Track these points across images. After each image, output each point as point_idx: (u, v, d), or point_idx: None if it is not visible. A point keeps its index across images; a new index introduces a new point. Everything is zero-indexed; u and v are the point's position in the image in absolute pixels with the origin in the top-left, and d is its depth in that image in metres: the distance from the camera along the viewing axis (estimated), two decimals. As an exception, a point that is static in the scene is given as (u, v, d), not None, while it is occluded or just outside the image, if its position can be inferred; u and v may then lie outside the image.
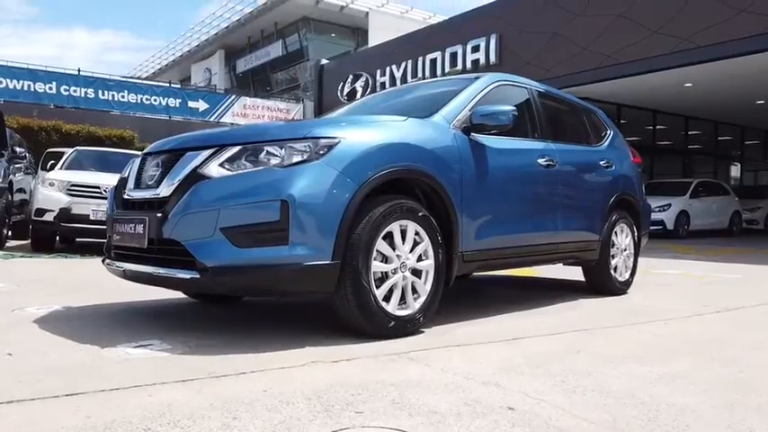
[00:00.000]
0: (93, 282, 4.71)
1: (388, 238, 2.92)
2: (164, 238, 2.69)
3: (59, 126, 17.17)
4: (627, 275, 4.97)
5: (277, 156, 2.70)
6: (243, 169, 2.67)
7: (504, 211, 3.63)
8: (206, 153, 2.75)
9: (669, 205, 13.94)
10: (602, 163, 4.70)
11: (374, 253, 2.83)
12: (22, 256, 6.92)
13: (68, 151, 13.89)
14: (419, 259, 3.06)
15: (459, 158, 3.31)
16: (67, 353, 2.45)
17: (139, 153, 10.65)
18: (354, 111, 4.27)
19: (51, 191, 7.78)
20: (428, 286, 3.10)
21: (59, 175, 8.13)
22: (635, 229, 5.09)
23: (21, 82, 19.55)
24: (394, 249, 2.94)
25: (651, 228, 13.30)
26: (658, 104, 17.02)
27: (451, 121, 3.45)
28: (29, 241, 8.28)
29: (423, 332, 3.10)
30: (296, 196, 2.58)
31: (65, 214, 7.57)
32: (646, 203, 5.41)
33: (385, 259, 2.92)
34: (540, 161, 3.96)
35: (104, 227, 3.47)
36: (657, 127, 18.55)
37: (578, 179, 4.40)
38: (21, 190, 9.30)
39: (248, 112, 23.50)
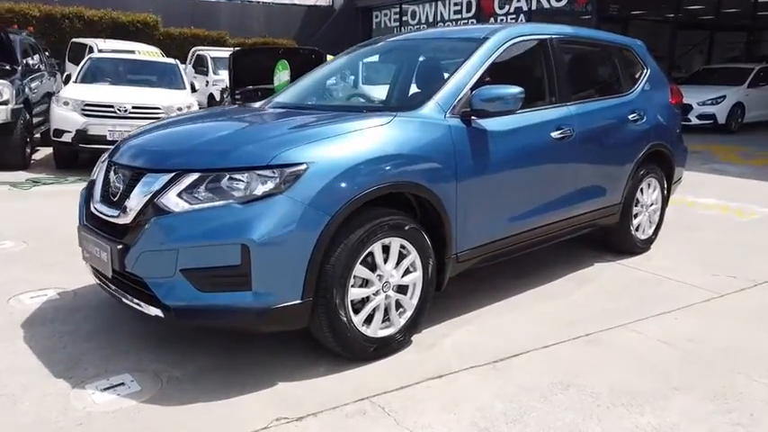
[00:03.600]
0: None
1: (370, 257, 2.71)
2: (126, 271, 2.55)
3: (81, 12, 16.65)
4: (650, 232, 4.65)
5: (241, 183, 2.45)
6: (202, 202, 2.44)
7: (507, 200, 3.32)
8: (165, 179, 2.51)
9: (723, 97, 12.85)
10: (630, 117, 4.21)
11: (351, 280, 2.64)
12: (43, 183, 6.98)
13: (94, 43, 13.57)
14: (405, 273, 2.86)
15: (455, 156, 2.96)
16: (35, 398, 2.43)
17: (155, 58, 10.16)
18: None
19: (67, 111, 7.66)
20: (415, 300, 2.92)
21: (73, 93, 7.93)
22: (665, 182, 4.68)
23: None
24: (375, 270, 2.74)
25: (700, 122, 12.55)
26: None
27: (448, 107, 3.05)
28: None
29: (412, 342, 2.98)
30: (257, 240, 2.36)
31: (82, 136, 7.50)
32: (680, 148, 4.91)
33: (365, 283, 2.73)
34: (555, 134, 3.54)
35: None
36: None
37: (599, 144, 3.96)
38: (48, 94, 9.14)
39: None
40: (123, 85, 8.75)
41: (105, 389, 2.51)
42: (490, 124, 3.17)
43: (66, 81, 9.26)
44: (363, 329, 2.73)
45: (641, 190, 4.44)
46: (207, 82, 14.61)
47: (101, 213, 2.79)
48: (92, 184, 3.03)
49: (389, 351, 2.85)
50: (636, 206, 4.43)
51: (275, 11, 21.94)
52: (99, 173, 2.98)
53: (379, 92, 3.79)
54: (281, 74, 8.86)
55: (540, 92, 3.69)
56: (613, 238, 4.48)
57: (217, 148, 2.61)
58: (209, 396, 2.48)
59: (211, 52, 15.37)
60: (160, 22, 17.58)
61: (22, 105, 7.82)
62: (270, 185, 2.43)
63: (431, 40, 4.01)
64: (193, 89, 9.66)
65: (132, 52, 12.51)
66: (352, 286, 2.67)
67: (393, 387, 2.58)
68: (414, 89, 3.64)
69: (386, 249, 2.77)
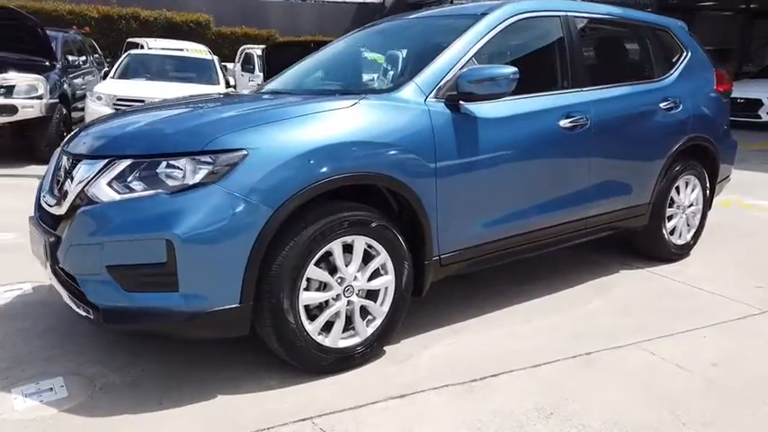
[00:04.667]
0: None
1: (329, 257, 2.40)
2: (59, 266, 2.34)
3: (137, 13, 17.10)
4: (689, 236, 4.12)
5: (177, 171, 2.19)
6: (131, 192, 2.19)
7: (501, 197, 2.93)
8: (98, 166, 2.28)
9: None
10: (663, 105, 3.70)
11: (303, 282, 2.33)
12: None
13: (145, 42, 13.86)
14: (373, 277, 2.53)
15: (435, 145, 2.61)
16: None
17: (191, 54, 10.12)
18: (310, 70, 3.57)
19: (99, 105, 7.73)
20: (385, 307, 2.59)
21: (107, 88, 8.01)
22: (707, 179, 4.13)
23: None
24: (334, 273, 2.42)
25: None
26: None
27: (430, 90, 2.70)
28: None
29: (385, 352, 2.66)
30: (181, 235, 2.08)
31: None
32: (728, 143, 4.34)
33: (323, 286, 2.42)
34: (564, 123, 3.12)
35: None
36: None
37: (622, 135, 3.48)
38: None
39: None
40: (159, 80, 8.78)
41: (30, 394, 2.31)
42: (482, 110, 2.80)
43: (105, 77, 9.40)
44: (320, 338, 2.42)
45: (677, 189, 3.92)
46: (251, 79, 14.66)
47: (46, 204, 2.60)
48: (46, 174, 2.85)
49: (353, 363, 2.53)
50: (670, 207, 3.92)
51: (326, 9, 21.94)
52: (51, 162, 2.80)
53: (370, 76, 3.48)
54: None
55: (549, 75, 3.27)
56: (643, 243, 3.98)
57: (153, 132, 2.35)
58: (139, 407, 2.24)
59: (258, 50, 15.41)
60: (212, 22, 17.85)
61: (57, 100, 7.93)
62: (202, 174, 2.15)
63: (428, 18, 3.64)
64: (228, 84, 9.61)
65: (181, 50, 12.67)
66: (306, 289, 2.37)
67: (345, 406, 2.26)
68: (397, 72, 3.30)
69: (349, 249, 2.45)
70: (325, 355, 2.43)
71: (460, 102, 2.74)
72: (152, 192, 2.16)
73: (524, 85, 2.86)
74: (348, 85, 3.46)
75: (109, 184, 2.22)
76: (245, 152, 2.18)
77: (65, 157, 2.59)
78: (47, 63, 8.34)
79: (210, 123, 2.35)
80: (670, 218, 3.95)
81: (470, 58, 2.85)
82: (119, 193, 2.20)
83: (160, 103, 3.34)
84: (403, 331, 2.79)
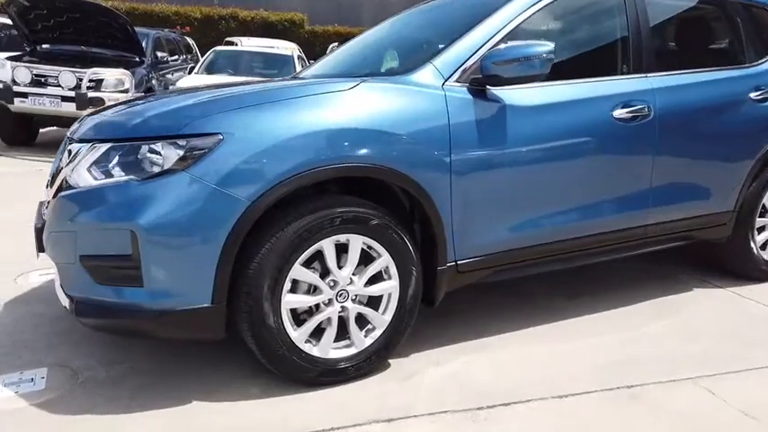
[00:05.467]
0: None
1: (320, 257, 2.16)
2: (44, 251, 2.27)
3: (236, 13, 17.73)
4: (785, 252, 3.47)
5: (156, 156, 2.02)
6: (107, 178, 2.05)
7: (535, 197, 2.54)
8: (82, 150, 2.17)
9: None
10: (754, 96, 3.12)
11: (287, 284, 2.10)
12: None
13: (239, 40, 14.33)
14: (373, 281, 2.25)
15: (449, 136, 2.28)
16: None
17: (271, 50, 10.25)
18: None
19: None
20: (388, 316, 2.30)
21: (187, 82, 8.24)
22: (812, 186, 3.46)
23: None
24: (326, 276, 2.17)
25: None
26: None
27: (450, 73, 2.37)
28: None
29: (389, 366, 2.37)
30: (144, 225, 1.92)
31: None
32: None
33: (312, 289, 2.18)
34: (619, 113, 2.67)
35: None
36: None
37: (697, 129, 2.95)
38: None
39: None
40: (241, 75, 8.94)
41: (10, 383, 2.24)
42: (513, 97, 2.43)
43: (190, 72, 9.73)
44: (306, 347, 2.17)
45: (771, 194, 3.32)
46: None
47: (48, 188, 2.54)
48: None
49: (347, 377, 2.26)
50: (761, 217, 3.31)
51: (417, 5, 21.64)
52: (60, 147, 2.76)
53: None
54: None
55: (605, 58, 2.83)
56: (725, 257, 3.40)
57: (136, 116, 2.19)
58: (111, 406, 2.10)
59: (346, 47, 15.47)
60: (306, 21, 18.17)
61: (143, 94, 8.28)
62: (173, 159, 1.97)
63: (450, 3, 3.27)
64: None
65: (271, 48, 12.96)
66: (293, 292, 2.14)
67: (321, 427, 2.00)
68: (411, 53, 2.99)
69: (346, 249, 2.19)
70: (311, 366, 2.18)
71: (487, 87, 2.39)
72: (126, 178, 2.01)
73: (572, 70, 2.48)
74: (378, 69, 3.18)
75: (88, 169, 2.09)
76: (219, 137, 1.98)
77: (67, 143, 2.53)
78: (137, 59, 8.75)
79: (192, 106, 2.16)
80: (761, 229, 3.34)
81: (504, 37, 2.49)
82: (95, 178, 2.07)
83: (172, 91, 3.24)
84: (417, 342, 2.51)
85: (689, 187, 2.98)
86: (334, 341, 2.24)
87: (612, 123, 2.65)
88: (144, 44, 8.96)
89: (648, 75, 2.82)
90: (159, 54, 9.39)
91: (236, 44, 13.83)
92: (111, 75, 7.80)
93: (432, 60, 2.39)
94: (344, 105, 2.16)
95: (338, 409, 2.09)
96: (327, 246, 2.14)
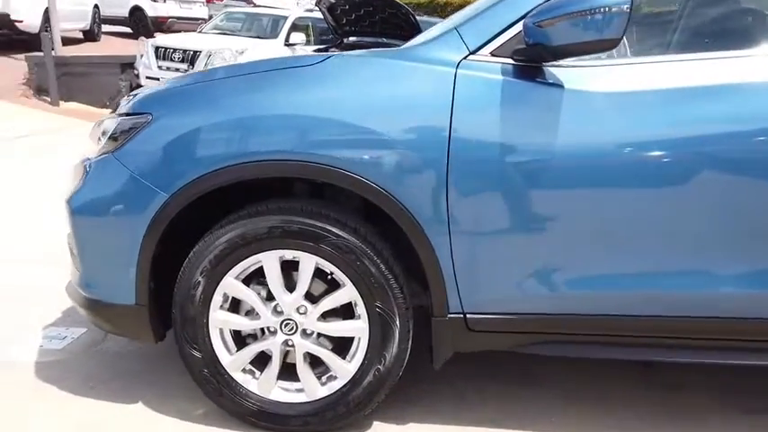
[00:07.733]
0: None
1: (260, 274, 1.73)
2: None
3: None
4: None
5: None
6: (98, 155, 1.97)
7: (604, 237, 1.58)
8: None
9: None
10: None
11: (218, 298, 1.74)
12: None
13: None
14: (328, 316, 1.73)
15: (448, 134, 1.55)
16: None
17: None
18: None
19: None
20: (353, 366, 1.73)
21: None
22: None
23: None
24: (271, 300, 1.74)
25: None
26: None
27: (482, 42, 1.62)
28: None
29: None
30: (74, 205, 1.79)
31: None
32: None
33: (253, 311, 1.77)
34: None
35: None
36: None
37: None
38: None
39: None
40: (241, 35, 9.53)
41: (49, 337, 2.42)
42: (574, 78, 1.55)
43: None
44: (239, 377, 1.79)
45: None
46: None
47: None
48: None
49: (286, 429, 1.79)
50: None
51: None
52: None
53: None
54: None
55: (733, 32, 1.60)
56: None
57: (141, 93, 2.05)
58: (88, 381, 2.09)
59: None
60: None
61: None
62: (106, 140, 1.80)
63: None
64: (288, 41, 9.47)
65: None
66: (233, 310, 1.77)
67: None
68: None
69: (296, 267, 1.72)
70: (244, 401, 1.78)
71: (542, 63, 1.57)
72: (97, 157, 1.92)
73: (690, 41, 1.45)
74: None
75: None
76: (148, 117, 1.72)
77: None
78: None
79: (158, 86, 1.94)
80: None
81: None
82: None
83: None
84: (400, 409, 1.87)
85: None
86: (286, 380, 1.80)
87: (753, 125, 1.48)
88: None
89: None
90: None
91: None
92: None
93: (458, 27, 1.67)
94: (299, 86, 1.65)
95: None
96: (268, 261, 1.70)
